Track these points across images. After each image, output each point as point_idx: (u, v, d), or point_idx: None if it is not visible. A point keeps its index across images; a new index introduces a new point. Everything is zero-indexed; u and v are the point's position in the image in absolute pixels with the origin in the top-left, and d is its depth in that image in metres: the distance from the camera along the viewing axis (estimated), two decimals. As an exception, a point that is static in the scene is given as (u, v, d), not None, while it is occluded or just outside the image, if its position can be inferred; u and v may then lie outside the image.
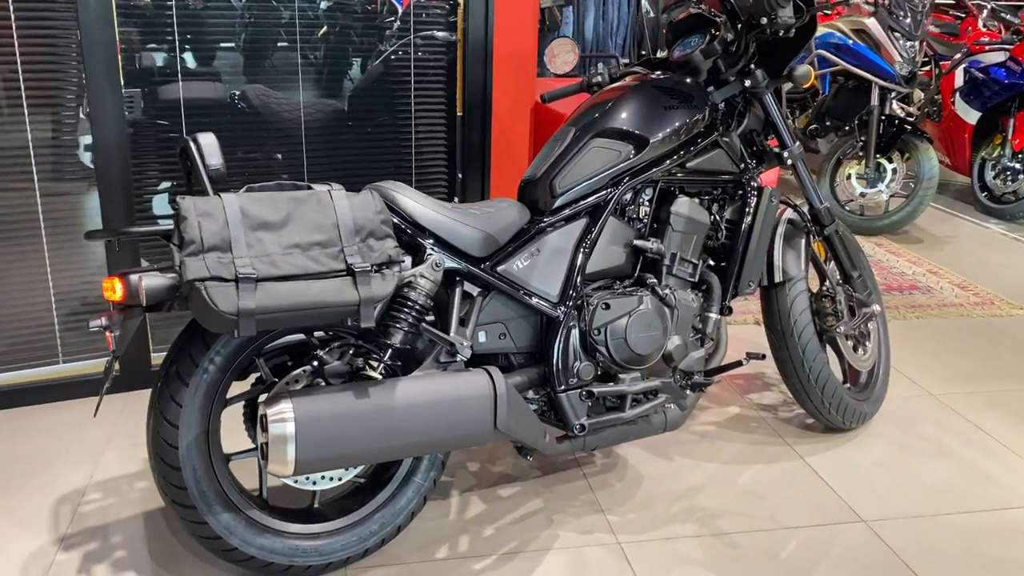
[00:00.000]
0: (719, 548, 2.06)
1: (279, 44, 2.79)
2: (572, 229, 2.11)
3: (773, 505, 2.24)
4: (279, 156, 2.88)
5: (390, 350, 1.81)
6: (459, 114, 3.01)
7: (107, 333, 1.63)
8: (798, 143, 2.40)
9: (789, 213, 2.50)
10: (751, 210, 2.28)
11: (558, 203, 2.10)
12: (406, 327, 1.80)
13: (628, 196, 2.17)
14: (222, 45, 2.72)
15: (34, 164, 2.55)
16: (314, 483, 1.86)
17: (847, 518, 2.20)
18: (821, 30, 4.47)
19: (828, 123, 4.62)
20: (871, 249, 4.35)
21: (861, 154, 4.49)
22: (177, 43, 2.64)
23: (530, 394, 2.06)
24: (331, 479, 1.88)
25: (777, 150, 2.38)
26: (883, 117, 4.40)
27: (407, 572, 1.94)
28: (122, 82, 2.53)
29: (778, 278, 2.41)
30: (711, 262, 2.32)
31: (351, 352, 1.83)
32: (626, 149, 2.10)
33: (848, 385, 2.65)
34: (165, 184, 2.79)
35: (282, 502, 1.97)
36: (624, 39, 9.33)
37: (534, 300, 2.01)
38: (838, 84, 4.69)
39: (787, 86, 5.21)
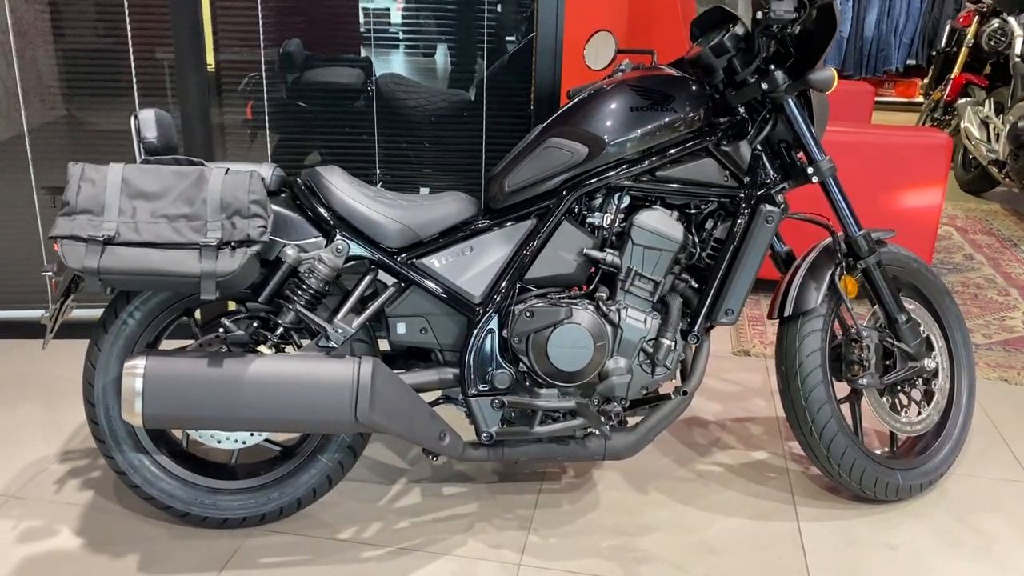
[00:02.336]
0: (619, 595, 1.88)
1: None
2: (516, 230, 2.01)
3: (719, 565, 1.97)
4: (360, 137, 3.06)
5: (280, 327, 1.88)
6: (531, 108, 2.97)
7: (52, 280, 1.87)
8: (829, 158, 2.07)
9: (829, 240, 2.17)
10: (739, 231, 2.01)
11: (505, 202, 2.02)
12: (297, 307, 1.86)
13: (597, 202, 2.02)
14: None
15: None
16: (219, 441, 1.98)
17: (796, 598, 1.88)
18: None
19: None
20: (1087, 300, 3.56)
21: None
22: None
23: (453, 394, 2.02)
24: (235, 440, 1.98)
25: (804, 164, 2.07)
26: None
27: (296, 543, 2.01)
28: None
29: (787, 311, 2.10)
30: (693, 283, 2.08)
31: (255, 324, 1.92)
32: (580, 151, 1.96)
33: (885, 449, 2.24)
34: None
35: (206, 455, 2.12)
36: (912, 38, 8.40)
37: (451, 298, 1.96)
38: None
39: None
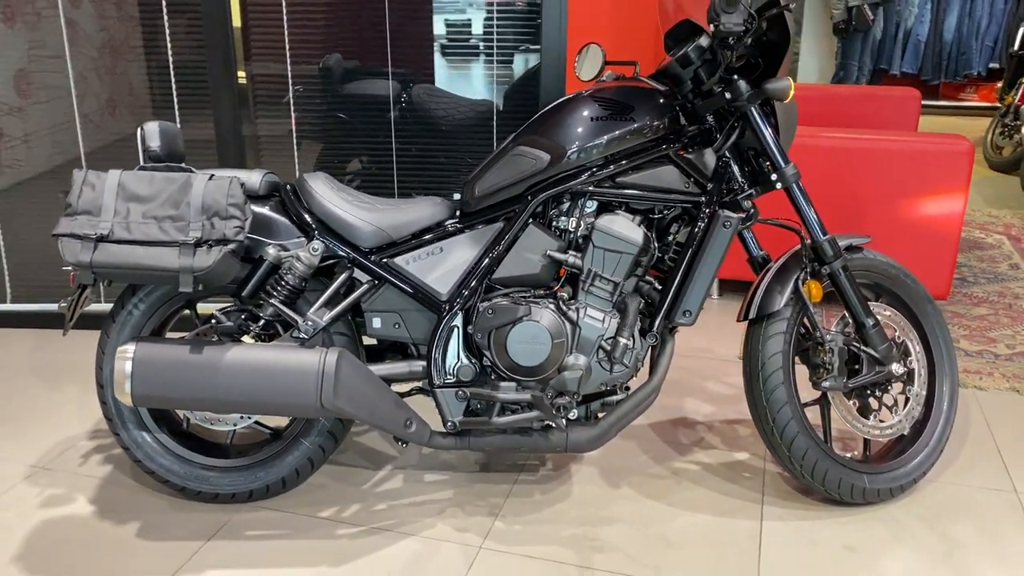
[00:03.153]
0: (507, 561, 1.97)
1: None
2: (484, 232, 2.14)
3: (671, 558, 2.05)
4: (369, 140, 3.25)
5: (262, 319, 2.06)
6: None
7: (72, 273, 2.10)
8: (793, 165, 2.12)
9: (800, 246, 2.21)
10: (698, 235, 2.09)
11: (477, 206, 2.15)
12: (276, 301, 2.04)
13: (565, 206, 2.13)
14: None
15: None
16: (211, 424, 2.18)
17: (740, 591, 1.94)
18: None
19: None
20: None
21: None
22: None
23: (425, 386, 2.16)
24: (227, 423, 2.17)
25: (770, 171, 2.13)
26: None
27: (280, 519, 2.18)
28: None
29: (751, 313, 2.16)
30: (657, 285, 2.16)
31: (242, 317, 2.10)
32: (543, 158, 2.07)
33: (855, 453, 2.26)
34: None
35: (204, 434, 2.31)
36: (995, 40, 8.10)
37: (420, 295, 2.10)
38: None
39: None
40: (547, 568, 2.01)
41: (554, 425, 2.09)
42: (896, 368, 2.18)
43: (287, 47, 3.24)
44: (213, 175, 1.95)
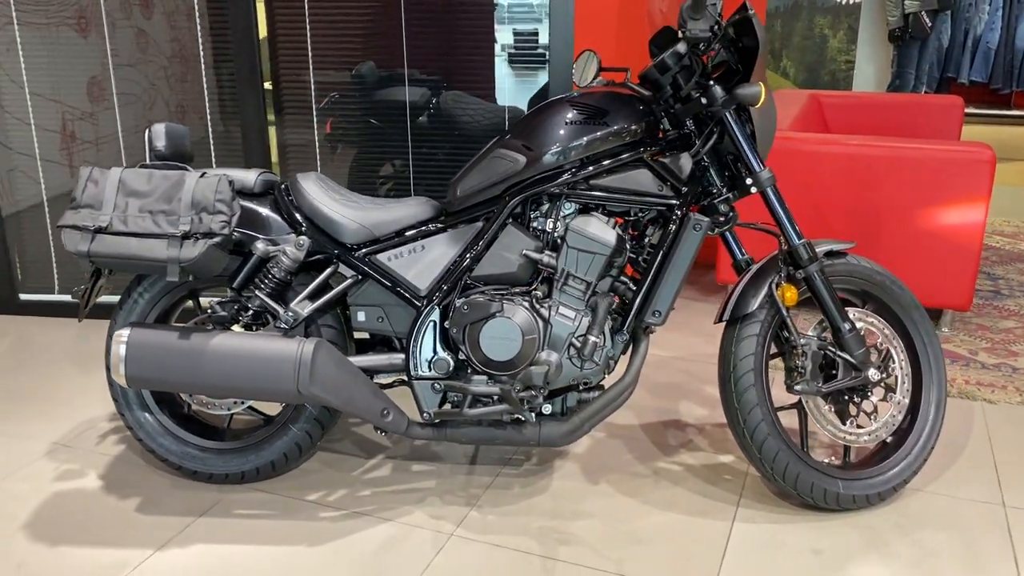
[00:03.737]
0: (528, 568, 2.03)
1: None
2: (465, 232, 2.22)
3: (635, 553, 2.08)
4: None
5: (251, 310, 2.19)
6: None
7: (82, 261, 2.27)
8: (768, 169, 2.14)
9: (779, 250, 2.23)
10: (669, 237, 2.13)
11: (459, 206, 2.23)
12: (261, 293, 2.16)
13: (544, 207, 2.20)
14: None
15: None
16: (208, 408, 2.31)
17: (697, 588, 1.97)
18: None
19: None
20: None
21: None
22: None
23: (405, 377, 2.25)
24: (223, 408, 2.30)
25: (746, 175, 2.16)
26: None
27: (268, 500, 2.30)
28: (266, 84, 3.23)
29: (726, 316, 2.18)
30: (632, 285, 2.20)
31: (235, 307, 2.23)
32: (519, 160, 2.14)
33: (832, 459, 2.26)
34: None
35: (205, 418, 2.45)
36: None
37: (399, 289, 2.19)
38: None
39: None
40: (512, 557, 2.07)
41: (522, 418, 2.15)
42: (873, 374, 2.17)
43: (329, 55, 3.39)
44: (205, 173, 2.09)
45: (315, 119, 3.42)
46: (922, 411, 2.28)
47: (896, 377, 2.26)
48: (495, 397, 2.16)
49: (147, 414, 2.33)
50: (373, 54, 3.45)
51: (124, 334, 2.07)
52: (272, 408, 2.42)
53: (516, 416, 2.16)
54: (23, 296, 3.65)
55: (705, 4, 1.98)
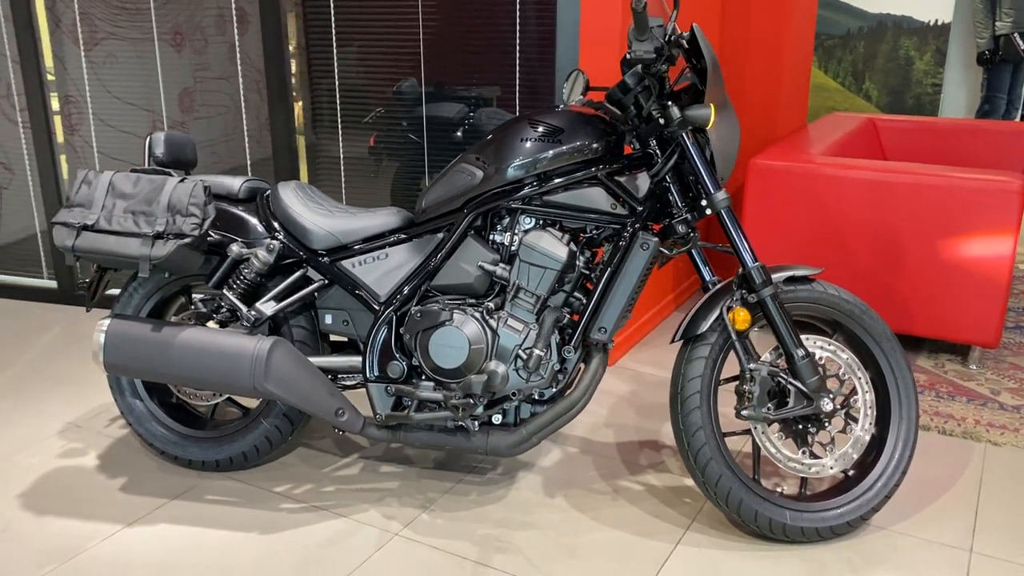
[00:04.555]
0: (459, 573, 2.07)
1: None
2: (427, 242, 2.30)
3: (568, 567, 2.10)
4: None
5: (224, 308, 2.33)
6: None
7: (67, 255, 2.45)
8: (724, 192, 2.13)
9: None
10: (618, 255, 2.14)
11: (424, 217, 2.31)
12: (230, 292, 2.30)
13: (506, 221, 2.25)
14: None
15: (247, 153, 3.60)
16: (190, 399, 2.47)
17: (617, 606, 1.97)
18: None
19: None
20: None
21: None
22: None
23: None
24: (203, 399, 2.46)
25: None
26: None
27: (237, 489, 2.43)
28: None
29: (677, 336, 2.18)
30: (584, 300, 2.23)
31: (213, 304, 2.38)
32: (477, 174, 2.21)
33: (783, 489, 2.20)
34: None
35: (192, 408, 2.61)
36: None
37: (360, 294, 2.29)
38: None
39: None
40: (446, 560, 2.12)
41: (464, 425, 2.20)
42: (825, 404, 2.12)
43: (362, 71, 3.55)
44: (185, 178, 2.24)
45: (340, 134, 3.58)
46: (888, 446, 2.21)
47: (858, 408, 2.19)
48: (441, 403, 2.22)
49: (138, 400, 2.51)
50: (412, 72, 3.58)
51: (104, 324, 2.25)
52: (252, 402, 2.56)
53: (460, 423, 2.21)
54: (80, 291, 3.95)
55: (648, 26, 2.00)
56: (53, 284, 4.00)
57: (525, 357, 2.17)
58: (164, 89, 5.17)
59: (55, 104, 4.19)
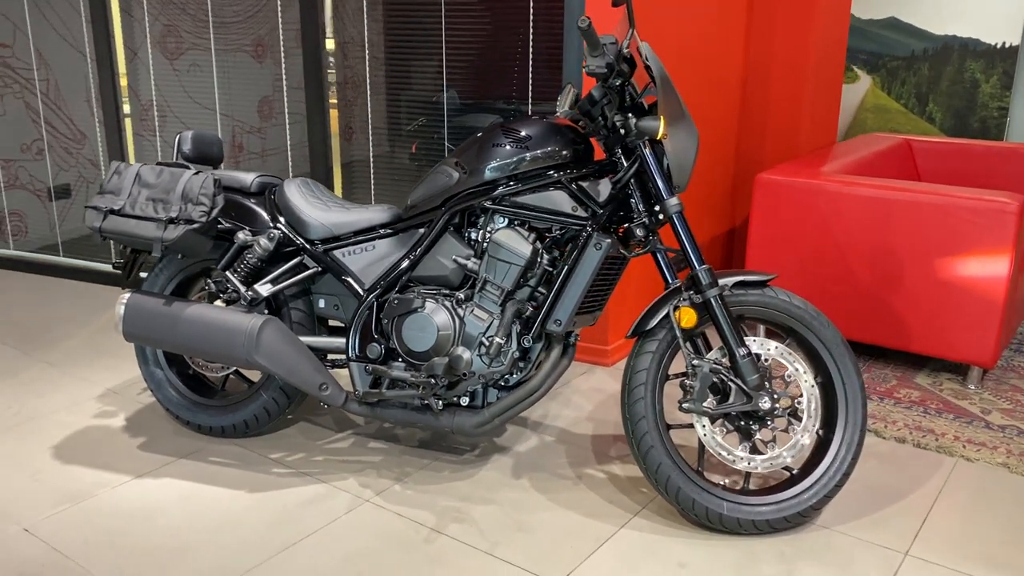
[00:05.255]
0: (414, 536, 2.27)
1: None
2: (409, 236, 2.53)
3: (515, 539, 2.27)
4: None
5: (230, 288, 2.60)
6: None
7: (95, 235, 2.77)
8: (677, 198, 2.27)
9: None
10: (574, 254, 2.31)
11: (409, 213, 2.54)
12: (232, 274, 2.57)
13: (481, 219, 2.45)
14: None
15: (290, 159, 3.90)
16: (203, 370, 2.76)
17: None
18: None
19: None
20: None
21: None
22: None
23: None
24: (214, 371, 2.74)
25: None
26: None
27: (237, 453, 2.69)
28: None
29: (629, 332, 2.33)
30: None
31: (223, 284, 2.66)
32: (454, 175, 2.42)
33: (727, 481, 2.32)
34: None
35: (207, 379, 2.89)
36: None
37: (347, 280, 2.52)
38: None
39: None
40: (405, 526, 2.32)
41: (429, 404, 2.41)
42: (763, 402, 2.23)
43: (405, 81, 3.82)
44: (199, 171, 2.53)
45: (370, 140, 3.86)
46: (831, 448, 2.30)
47: (799, 409, 2.29)
48: (408, 383, 2.43)
49: (158, 369, 2.81)
50: (454, 84, 3.84)
51: (124, 298, 2.56)
52: (257, 376, 2.82)
53: (426, 403, 2.42)
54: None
55: (599, 42, 2.16)
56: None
57: (487, 344, 2.36)
58: (244, 97, 5.59)
59: (143, 107, 4.62)
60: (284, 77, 5.05)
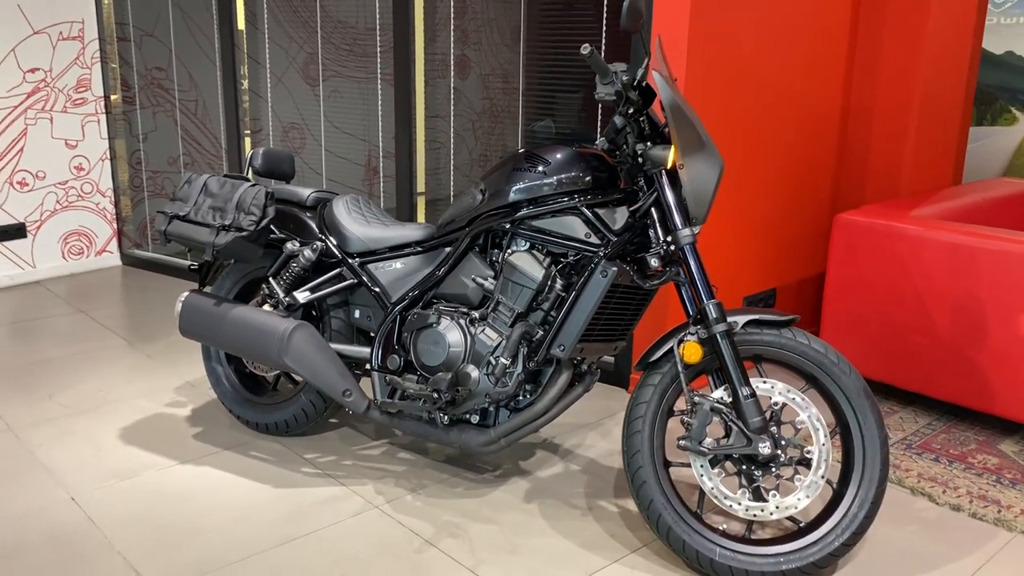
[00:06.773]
0: (407, 546, 2.33)
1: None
2: (437, 254, 2.61)
3: (502, 561, 2.27)
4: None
5: (277, 296, 2.77)
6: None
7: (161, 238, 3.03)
8: (690, 229, 2.23)
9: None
10: (582, 280, 2.30)
11: (439, 232, 2.62)
12: (276, 282, 2.74)
13: (503, 241, 2.50)
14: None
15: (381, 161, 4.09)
16: (256, 370, 2.95)
17: (522, 599, 2.12)
18: None
19: None
20: None
21: None
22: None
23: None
24: (264, 371, 2.93)
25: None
26: None
27: (275, 450, 2.85)
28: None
29: (635, 363, 2.30)
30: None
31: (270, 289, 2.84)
32: (478, 197, 2.48)
33: (726, 527, 2.21)
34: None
35: (260, 378, 3.08)
36: None
37: (377, 292, 2.63)
38: None
39: None
40: (402, 535, 2.38)
41: (434, 417, 2.46)
42: (763, 447, 2.12)
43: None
44: (255, 184, 2.73)
45: (452, 159, 3.98)
46: (843, 503, 2.16)
47: (810, 459, 2.16)
48: (415, 395, 2.50)
49: (218, 365, 3.03)
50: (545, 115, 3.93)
51: (183, 297, 2.78)
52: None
53: (432, 416, 2.48)
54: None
55: (607, 70, 2.16)
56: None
57: (493, 364, 2.39)
58: (382, 123, 5.91)
59: (284, 129, 5.01)
60: (423, 106, 5.28)
